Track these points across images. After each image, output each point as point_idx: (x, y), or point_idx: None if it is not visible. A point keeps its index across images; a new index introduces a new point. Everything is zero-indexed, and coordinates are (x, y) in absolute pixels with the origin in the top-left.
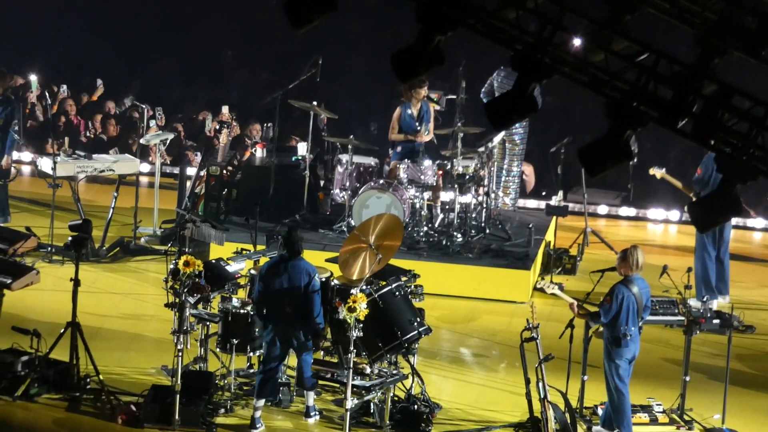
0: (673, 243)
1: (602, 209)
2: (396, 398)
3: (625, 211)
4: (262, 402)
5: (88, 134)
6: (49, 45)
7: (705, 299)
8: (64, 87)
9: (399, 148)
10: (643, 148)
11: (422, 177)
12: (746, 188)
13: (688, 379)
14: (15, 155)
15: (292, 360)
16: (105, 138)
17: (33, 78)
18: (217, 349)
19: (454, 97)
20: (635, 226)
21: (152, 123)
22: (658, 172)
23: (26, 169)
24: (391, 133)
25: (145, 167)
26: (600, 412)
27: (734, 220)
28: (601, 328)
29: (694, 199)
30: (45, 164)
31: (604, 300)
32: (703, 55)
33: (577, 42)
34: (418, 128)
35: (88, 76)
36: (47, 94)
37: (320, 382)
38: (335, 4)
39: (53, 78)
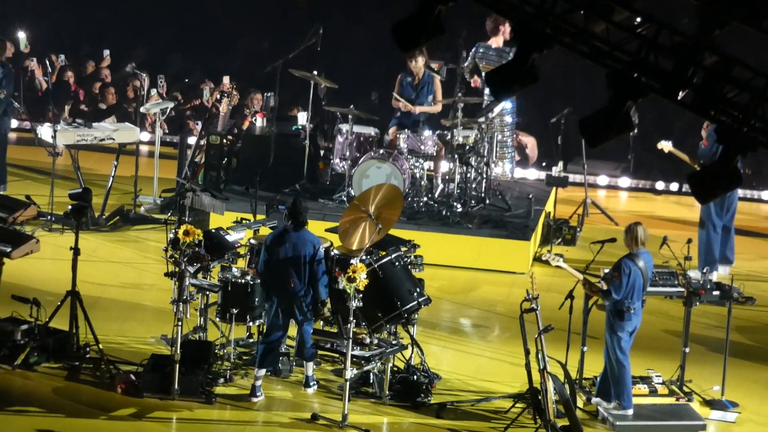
0: (672, 214)
1: (602, 180)
2: (395, 369)
3: (625, 181)
4: (263, 372)
5: (92, 102)
6: (49, 13)
7: (705, 271)
8: (62, 56)
9: (398, 114)
10: (645, 118)
11: (422, 147)
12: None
13: (687, 350)
14: (14, 123)
15: (291, 330)
16: (104, 106)
17: (21, 35)
18: (217, 319)
19: (455, 67)
20: (635, 197)
21: (153, 91)
22: (666, 146)
23: (26, 138)
24: (393, 100)
25: (145, 136)
26: None
27: (740, 192)
28: (601, 300)
29: None
30: (45, 133)
31: (613, 276)
32: (704, 27)
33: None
34: (412, 96)
35: (90, 44)
36: (47, 62)
37: (320, 352)
38: None
39: (53, 48)
